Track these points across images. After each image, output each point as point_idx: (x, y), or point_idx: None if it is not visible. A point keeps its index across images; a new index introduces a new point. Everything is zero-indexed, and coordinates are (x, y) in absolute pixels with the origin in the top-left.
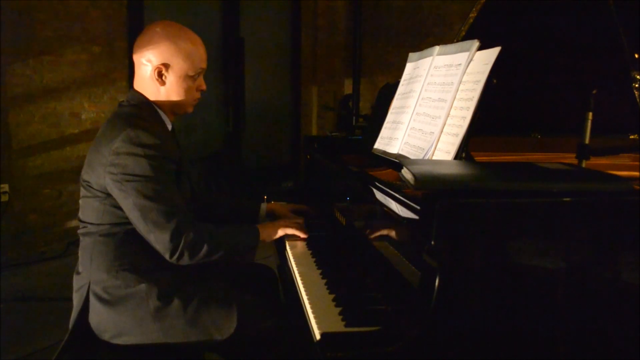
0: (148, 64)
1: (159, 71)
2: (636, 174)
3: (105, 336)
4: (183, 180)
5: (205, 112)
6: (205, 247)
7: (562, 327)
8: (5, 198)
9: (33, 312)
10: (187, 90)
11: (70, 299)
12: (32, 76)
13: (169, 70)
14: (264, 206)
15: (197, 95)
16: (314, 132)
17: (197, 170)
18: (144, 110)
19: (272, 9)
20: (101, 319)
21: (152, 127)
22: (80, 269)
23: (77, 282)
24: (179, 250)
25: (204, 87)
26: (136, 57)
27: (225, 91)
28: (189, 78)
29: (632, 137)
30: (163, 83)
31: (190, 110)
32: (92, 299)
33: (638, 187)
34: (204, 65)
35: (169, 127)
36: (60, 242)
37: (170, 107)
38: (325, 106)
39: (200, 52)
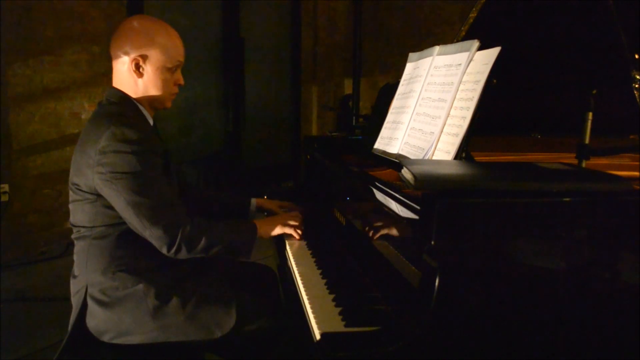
0: (125, 56)
1: (137, 63)
2: (636, 174)
3: (105, 338)
4: (171, 176)
5: (205, 112)
6: (203, 240)
7: (562, 327)
8: (5, 198)
9: (33, 312)
10: (165, 83)
11: (70, 299)
12: (32, 76)
13: (147, 62)
14: (254, 201)
15: (175, 89)
16: (314, 132)
17: (197, 170)
18: (124, 107)
19: (272, 9)
20: (100, 321)
21: (135, 122)
22: (76, 272)
23: (74, 285)
24: (176, 244)
25: (181, 81)
26: (114, 52)
27: (225, 91)
28: (166, 70)
29: (632, 137)
30: (140, 75)
31: (168, 105)
32: (90, 302)
33: (638, 187)
34: (181, 58)
35: (150, 122)
36: (60, 242)
37: (149, 101)
38: (325, 106)
39: (177, 45)
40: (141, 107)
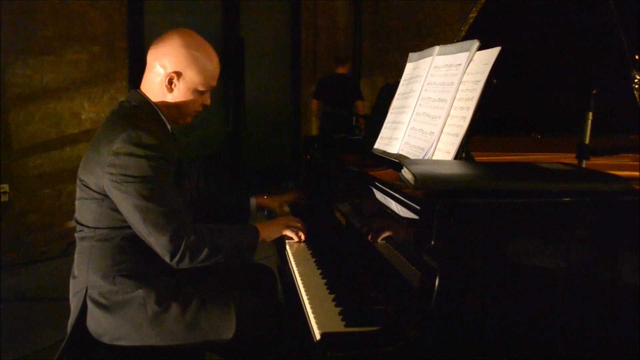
0: (161, 69)
1: (170, 79)
2: (636, 174)
3: (104, 340)
4: (183, 183)
5: (205, 112)
6: (205, 250)
7: (562, 327)
8: (5, 198)
9: (33, 312)
10: (192, 103)
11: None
12: (32, 76)
13: (180, 80)
14: (253, 200)
15: (200, 109)
16: (314, 132)
17: (197, 170)
18: (144, 111)
19: (272, 9)
20: (99, 324)
21: (152, 128)
22: (76, 272)
23: (74, 286)
24: (179, 253)
25: (208, 102)
26: (150, 60)
27: (225, 91)
28: (197, 92)
29: (632, 137)
30: (171, 91)
31: (188, 120)
32: (89, 303)
33: (638, 187)
34: (214, 82)
35: (169, 128)
36: (60, 242)
37: (171, 113)
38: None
39: (214, 70)
40: (161, 114)
